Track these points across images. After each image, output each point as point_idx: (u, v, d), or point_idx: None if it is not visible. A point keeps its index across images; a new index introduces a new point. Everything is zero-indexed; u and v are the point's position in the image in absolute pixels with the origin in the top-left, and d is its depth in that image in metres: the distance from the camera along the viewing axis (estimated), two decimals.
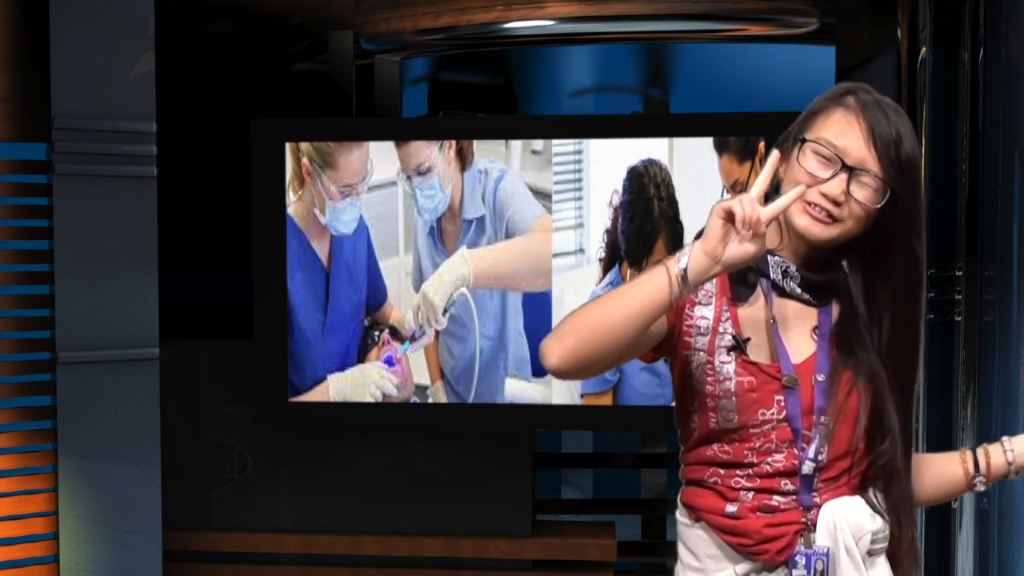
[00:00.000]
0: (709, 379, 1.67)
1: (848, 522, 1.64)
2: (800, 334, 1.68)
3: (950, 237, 3.16)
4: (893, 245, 1.63)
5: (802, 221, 1.62)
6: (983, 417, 3.09)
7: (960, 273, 3.14)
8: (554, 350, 1.54)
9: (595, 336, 1.53)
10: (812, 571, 1.63)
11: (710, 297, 1.70)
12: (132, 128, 3.04)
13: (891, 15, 3.23)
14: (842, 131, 1.61)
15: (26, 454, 3.00)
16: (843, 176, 1.58)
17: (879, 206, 1.59)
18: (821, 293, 1.68)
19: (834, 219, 1.60)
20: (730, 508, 1.67)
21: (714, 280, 1.69)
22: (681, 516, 1.76)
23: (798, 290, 1.68)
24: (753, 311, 1.69)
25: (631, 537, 4.09)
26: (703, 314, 1.69)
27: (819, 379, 1.65)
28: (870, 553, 1.66)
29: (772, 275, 1.68)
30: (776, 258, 1.68)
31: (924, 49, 3.14)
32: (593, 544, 3.55)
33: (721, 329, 1.67)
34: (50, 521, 3.02)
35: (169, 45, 3.49)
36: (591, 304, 1.56)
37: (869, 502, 1.67)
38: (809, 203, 1.61)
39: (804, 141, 1.62)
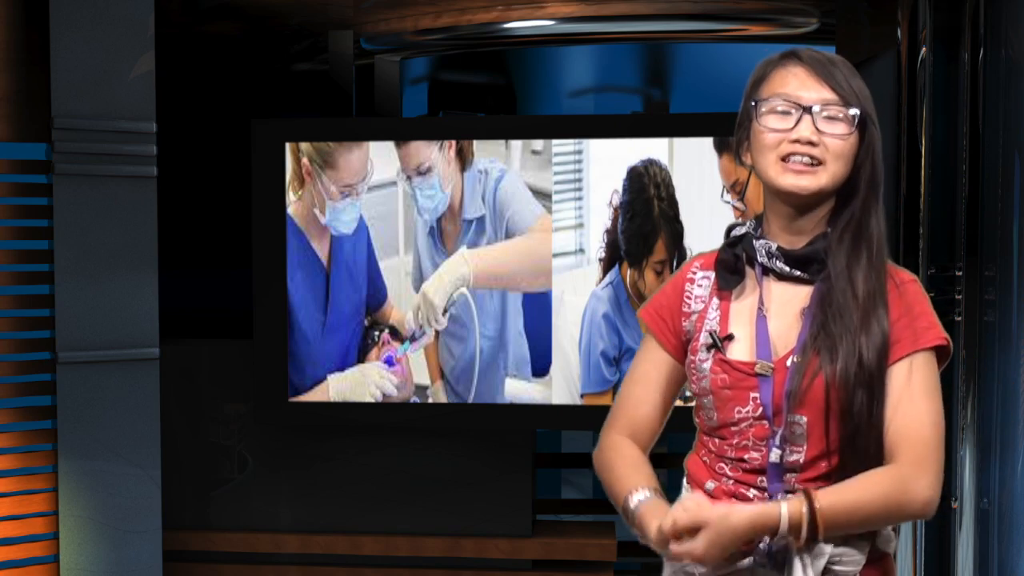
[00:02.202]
0: (693, 378, 1.70)
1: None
2: (790, 320, 1.65)
3: (950, 237, 3.16)
4: (859, 172, 1.62)
5: (788, 180, 1.60)
6: (983, 417, 3.09)
7: (960, 273, 3.13)
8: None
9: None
10: (772, 562, 1.59)
11: (702, 302, 1.71)
12: (132, 128, 3.05)
13: (891, 15, 3.23)
14: (789, 81, 1.62)
15: (26, 454, 3.00)
16: (807, 117, 1.59)
17: (853, 133, 1.59)
18: (812, 266, 1.65)
19: (816, 162, 1.59)
20: (710, 484, 1.68)
21: (711, 280, 1.72)
22: (685, 479, 1.78)
23: (787, 268, 1.66)
24: (743, 301, 1.69)
25: (631, 537, 4.09)
26: (694, 319, 1.71)
27: (795, 359, 1.62)
28: (826, 572, 1.61)
29: (760, 259, 1.67)
30: (761, 241, 1.67)
31: (924, 49, 3.14)
32: (593, 544, 3.55)
33: (705, 327, 1.69)
34: (50, 521, 3.02)
35: (169, 45, 3.49)
36: (604, 466, 1.78)
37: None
38: (786, 159, 1.60)
39: (757, 104, 1.63)
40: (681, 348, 1.74)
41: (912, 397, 1.62)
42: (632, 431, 1.76)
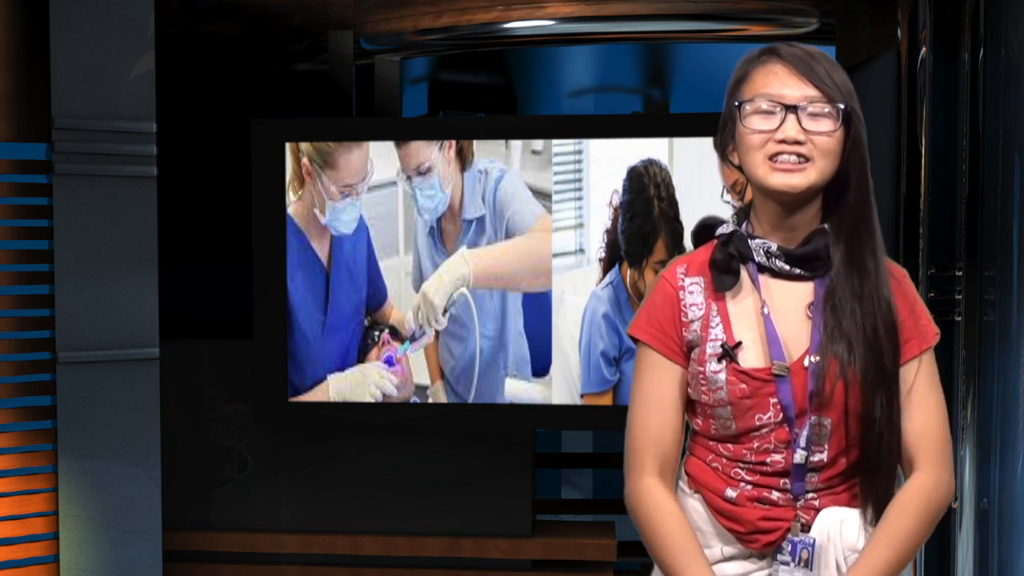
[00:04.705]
0: (703, 388, 1.67)
1: (842, 537, 1.62)
2: (795, 317, 1.65)
3: (950, 237, 3.16)
4: (849, 166, 1.62)
5: (777, 179, 1.59)
6: (983, 417, 3.09)
7: (960, 273, 3.13)
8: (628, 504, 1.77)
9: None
10: (797, 559, 1.63)
11: (699, 309, 1.68)
12: (132, 128, 3.04)
13: (891, 15, 3.23)
14: (772, 80, 1.60)
15: (26, 454, 3.00)
16: (791, 116, 1.58)
17: (839, 129, 1.59)
18: (813, 264, 1.65)
19: (804, 160, 1.58)
20: (730, 492, 1.67)
21: (701, 285, 1.69)
22: (682, 482, 1.76)
23: (787, 267, 1.65)
24: (742, 302, 1.67)
25: (631, 537, 4.08)
26: (695, 328, 1.68)
27: (813, 360, 1.62)
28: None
29: (757, 258, 1.66)
30: (757, 240, 1.66)
31: (924, 49, 3.14)
32: (593, 544, 3.55)
33: (711, 336, 1.66)
34: (50, 521, 3.02)
35: (169, 45, 3.49)
36: (649, 526, 1.77)
37: (864, 516, 1.65)
38: (773, 158, 1.59)
39: (740, 105, 1.62)
40: (685, 358, 1.70)
41: (924, 396, 1.67)
42: (662, 468, 1.71)
